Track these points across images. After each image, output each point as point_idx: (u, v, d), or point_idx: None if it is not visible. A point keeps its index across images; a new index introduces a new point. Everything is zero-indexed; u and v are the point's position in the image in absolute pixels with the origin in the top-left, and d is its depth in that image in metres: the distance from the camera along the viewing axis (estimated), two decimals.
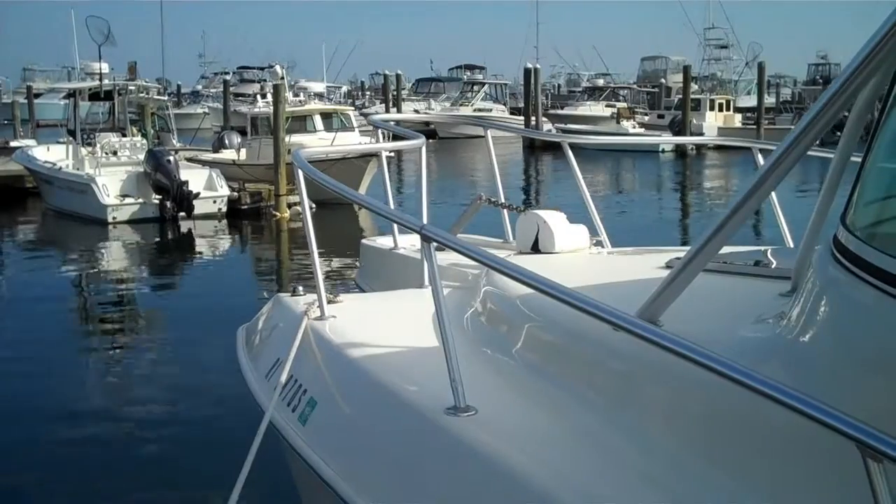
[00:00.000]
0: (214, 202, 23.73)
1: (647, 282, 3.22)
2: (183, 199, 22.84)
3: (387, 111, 58.23)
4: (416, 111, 56.57)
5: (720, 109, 56.69)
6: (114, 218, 23.07)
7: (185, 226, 22.96)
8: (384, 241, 6.66)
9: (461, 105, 63.02)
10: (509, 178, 35.29)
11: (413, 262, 5.50)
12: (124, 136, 26.59)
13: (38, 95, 58.18)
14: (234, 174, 26.83)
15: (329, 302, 4.51)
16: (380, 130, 7.39)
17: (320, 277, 4.42)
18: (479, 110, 61.44)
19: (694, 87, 58.84)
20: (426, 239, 3.35)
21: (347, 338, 4.10)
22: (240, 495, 3.85)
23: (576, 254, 5.11)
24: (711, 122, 53.78)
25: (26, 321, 14.15)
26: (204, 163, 27.20)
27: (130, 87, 28.53)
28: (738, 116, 57.68)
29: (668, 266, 4.19)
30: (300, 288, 4.83)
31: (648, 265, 4.43)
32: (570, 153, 6.25)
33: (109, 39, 26.89)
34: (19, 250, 22.47)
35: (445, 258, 5.29)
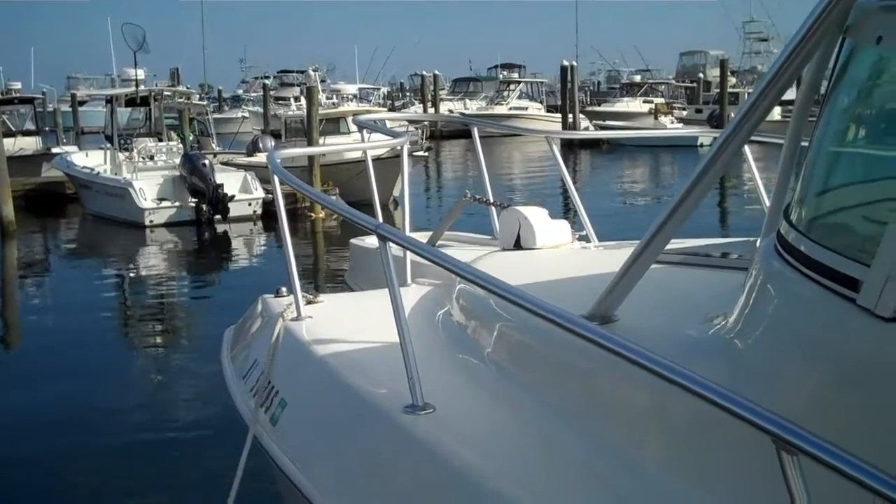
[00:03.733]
0: (249, 204, 23.94)
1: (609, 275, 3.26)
2: (218, 201, 23.11)
3: (424, 111, 58.35)
4: (451, 111, 56.63)
5: None
6: (151, 221, 23.39)
7: (220, 228, 23.21)
8: (372, 241, 6.73)
9: (497, 104, 62.85)
10: (545, 176, 35.29)
11: (398, 262, 5.44)
12: (161, 140, 26.98)
13: (82, 103, 58.92)
14: (269, 176, 27.04)
15: (309, 303, 4.60)
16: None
17: (296, 279, 4.49)
18: (515, 108, 61.31)
19: (733, 80, 58.34)
20: (382, 238, 3.44)
21: (319, 338, 4.17)
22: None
23: (557, 249, 5.13)
24: None
25: (67, 324, 14.48)
26: (239, 166, 27.45)
27: (166, 93, 28.89)
28: (778, 109, 56.97)
29: None
30: (283, 289, 4.88)
31: (624, 259, 4.47)
32: (554, 148, 6.34)
33: (144, 47, 27.23)
34: (60, 254, 22.93)
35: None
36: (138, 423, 9.52)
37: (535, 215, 5.21)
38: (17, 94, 43.97)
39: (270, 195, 24.81)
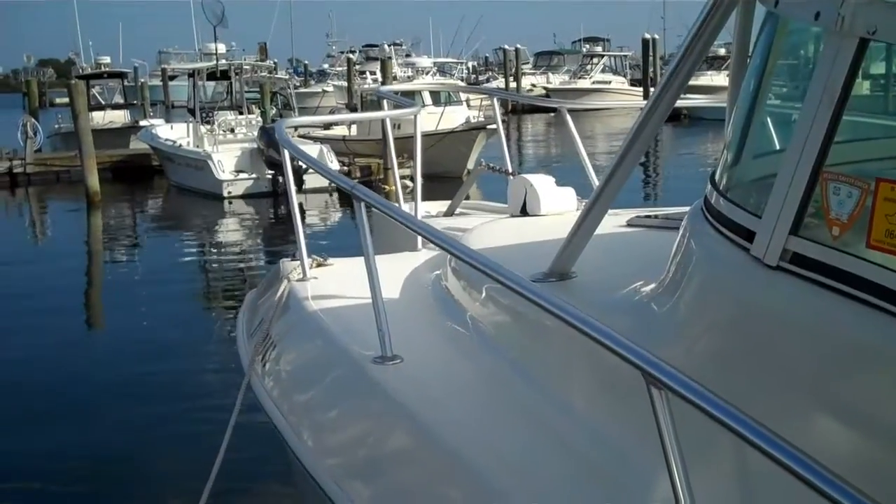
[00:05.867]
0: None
1: (595, 238, 3.43)
2: (294, 173, 23.53)
3: (506, 86, 58.42)
4: (534, 85, 56.59)
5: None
6: (229, 192, 24.01)
7: (296, 200, 23.60)
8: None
9: (580, 78, 62.63)
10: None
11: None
12: (241, 114, 27.59)
13: (173, 77, 60.17)
14: (353, 150, 27.55)
15: (319, 265, 4.86)
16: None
17: (302, 242, 4.75)
18: (599, 82, 60.98)
19: None
20: (357, 199, 3.66)
21: (319, 296, 4.43)
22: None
23: (561, 216, 5.18)
24: None
25: (146, 290, 15.12)
26: (315, 139, 27.96)
27: (246, 67, 29.50)
28: None
29: (628, 224, 4.47)
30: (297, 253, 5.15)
31: (613, 224, 4.63)
32: (568, 117, 6.47)
33: (223, 21, 27.82)
34: (142, 223, 23.70)
35: (442, 223, 5.64)
36: (202, 381, 9.99)
37: (541, 183, 5.32)
38: (107, 69, 45.08)
39: (346, 167, 25.38)
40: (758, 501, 2.32)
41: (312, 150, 25.05)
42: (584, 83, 60.41)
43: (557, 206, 5.30)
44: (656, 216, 4.58)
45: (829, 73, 2.25)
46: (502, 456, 2.87)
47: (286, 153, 4.73)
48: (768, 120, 2.79)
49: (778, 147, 2.69)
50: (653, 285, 2.98)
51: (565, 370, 3.13)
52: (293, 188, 4.89)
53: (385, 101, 6.89)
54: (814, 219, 2.31)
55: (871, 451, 2.09)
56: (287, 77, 40.48)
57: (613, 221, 4.73)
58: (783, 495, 2.04)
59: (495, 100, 7.76)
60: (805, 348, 2.27)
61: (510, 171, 6.40)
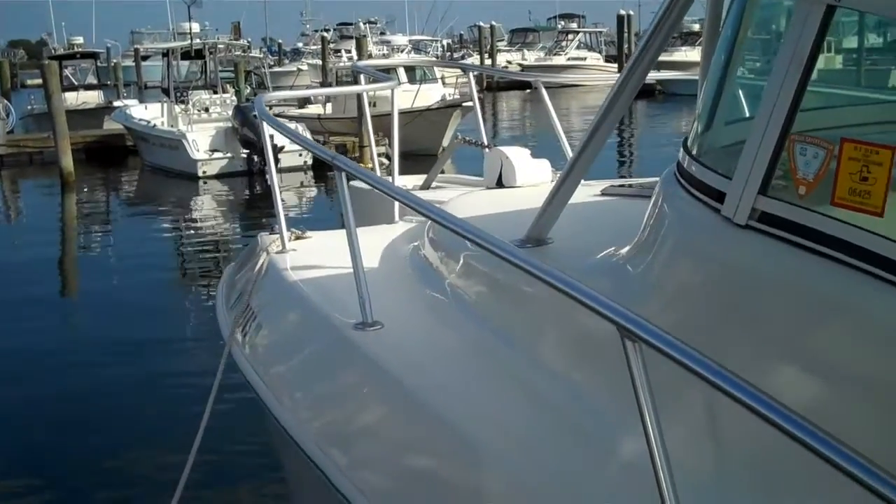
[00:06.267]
0: (300, 155, 24.27)
1: (570, 207, 3.50)
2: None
3: (481, 63, 58.36)
4: (509, 62, 56.58)
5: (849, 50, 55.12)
6: (204, 172, 23.96)
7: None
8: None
9: (555, 54, 62.62)
10: None
11: (387, 201, 5.59)
12: (216, 93, 27.49)
13: (146, 58, 59.73)
14: (328, 128, 27.53)
15: (298, 238, 4.91)
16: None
17: (281, 215, 4.80)
18: (574, 59, 60.98)
19: None
20: (338, 169, 3.71)
21: (298, 267, 4.49)
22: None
23: (536, 187, 5.23)
24: None
25: (120, 269, 15.15)
26: (290, 118, 27.88)
27: (220, 46, 29.38)
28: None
29: (602, 193, 4.54)
30: (276, 227, 5.19)
31: (588, 194, 4.70)
32: (543, 90, 6.53)
33: (197, 1, 27.69)
34: (116, 203, 23.67)
35: (424, 195, 5.69)
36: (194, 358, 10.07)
37: (517, 155, 5.39)
38: (80, 50, 44.68)
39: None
40: (728, 448, 2.40)
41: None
42: (559, 60, 60.40)
43: (533, 177, 5.36)
44: (630, 185, 4.66)
45: (797, 39, 2.31)
46: (482, 415, 2.94)
47: (265, 126, 4.76)
48: (738, 87, 2.86)
49: (748, 113, 2.76)
50: (627, 248, 3.04)
51: (542, 331, 3.20)
52: (272, 161, 4.92)
53: (361, 76, 6.92)
54: (781, 180, 2.38)
55: (838, 399, 2.17)
56: (261, 56, 40.32)
57: (588, 191, 4.80)
58: (753, 442, 2.13)
59: (470, 74, 7.83)
60: (774, 303, 2.35)
61: (486, 144, 6.46)
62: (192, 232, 18.94)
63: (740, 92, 2.86)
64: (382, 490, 3.09)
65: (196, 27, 29.33)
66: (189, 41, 28.40)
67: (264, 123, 4.72)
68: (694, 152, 2.84)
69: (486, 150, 6.01)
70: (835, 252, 2.19)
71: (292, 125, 24.92)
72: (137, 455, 7.46)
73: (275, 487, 6.27)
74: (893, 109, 2.89)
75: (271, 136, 4.82)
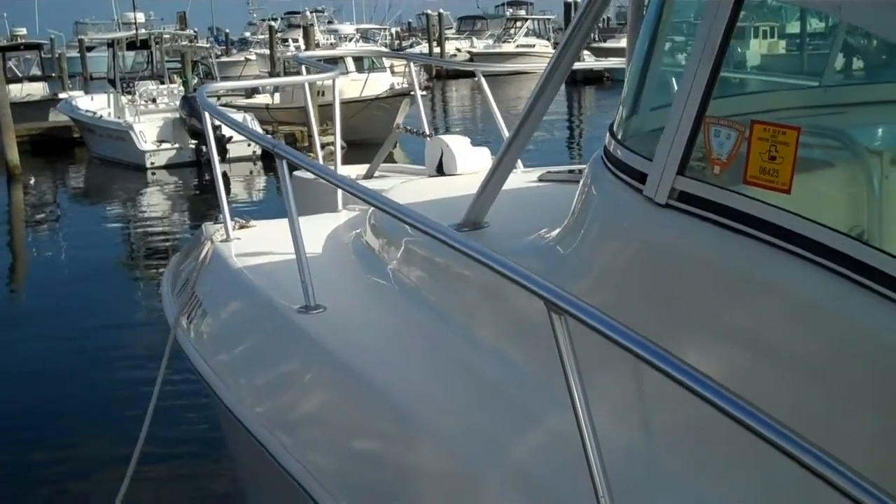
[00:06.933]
0: (249, 145, 24.16)
1: (505, 193, 3.62)
2: (217, 142, 23.38)
3: (430, 51, 58.43)
4: (459, 50, 56.65)
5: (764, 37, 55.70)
6: (152, 163, 23.85)
7: (220, 169, 23.47)
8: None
9: (504, 42, 62.79)
10: (551, 111, 35.32)
11: (330, 190, 5.61)
12: (162, 83, 27.33)
13: (91, 48, 59.01)
14: (277, 118, 27.46)
15: (242, 227, 4.97)
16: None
17: (224, 204, 4.84)
18: (522, 46, 61.14)
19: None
20: (279, 157, 3.78)
21: (242, 255, 4.57)
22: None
23: (476, 175, 5.23)
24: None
25: (67, 261, 15.09)
26: (238, 108, 27.81)
27: (166, 36, 29.20)
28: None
29: (539, 179, 4.67)
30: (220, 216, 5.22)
31: (526, 180, 4.82)
32: (483, 80, 6.64)
33: None
34: (64, 196, 23.48)
35: (367, 184, 5.78)
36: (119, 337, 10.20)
37: (457, 143, 5.49)
38: (23, 41, 44.09)
39: (270, 136, 25.28)
40: (652, 415, 2.53)
41: (235, 118, 24.84)
42: (508, 47, 60.55)
43: (473, 165, 5.46)
44: (571, 171, 4.79)
45: (710, 26, 2.44)
46: (420, 391, 3.06)
47: (207, 117, 4.81)
48: (659, 73, 2.98)
49: (667, 98, 2.88)
50: (559, 230, 3.16)
51: (479, 310, 3.31)
52: (215, 152, 4.98)
53: (304, 67, 6.99)
54: (698, 160, 2.50)
55: (753, 367, 2.30)
56: (208, 46, 39.89)
57: (527, 177, 4.92)
58: (676, 409, 2.25)
59: (412, 64, 7.97)
60: (692, 278, 2.48)
61: (427, 132, 6.55)
62: (141, 223, 18.87)
63: (661, 77, 2.98)
64: (329, 468, 3.19)
65: (141, 17, 29.12)
66: (134, 31, 28.15)
67: (206, 114, 4.77)
68: (619, 136, 2.96)
69: (427, 138, 6.11)
70: (748, 228, 2.31)
71: (240, 115, 25.03)
72: (85, 441, 7.53)
73: (223, 470, 6.36)
74: (801, 93, 3.04)
75: (218, 127, 4.84)
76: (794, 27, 3.80)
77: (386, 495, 2.99)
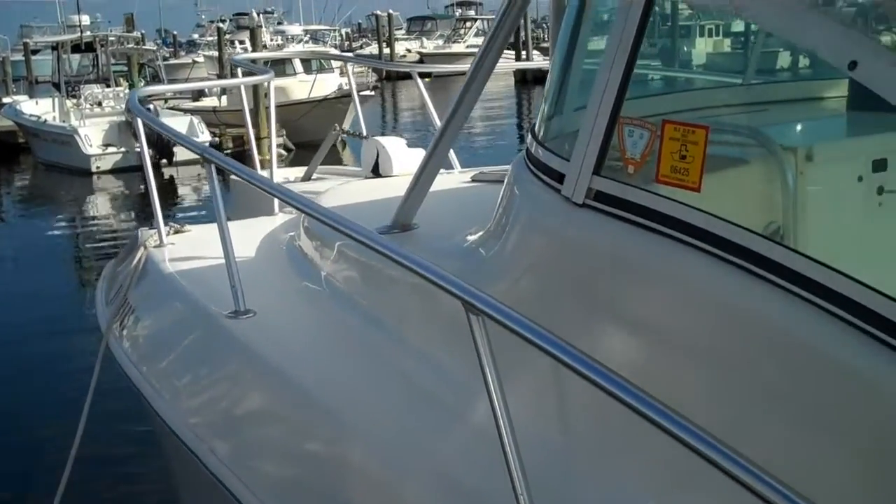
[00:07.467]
0: None
1: (437, 194, 3.65)
2: (163, 146, 23.20)
3: (380, 51, 58.36)
4: (409, 51, 56.62)
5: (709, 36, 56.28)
6: (97, 168, 23.59)
7: (167, 173, 23.31)
8: None
9: (454, 42, 62.88)
10: (503, 111, 35.57)
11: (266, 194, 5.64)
12: (108, 86, 27.06)
13: (36, 52, 58.26)
14: (224, 120, 27.28)
15: (177, 232, 4.94)
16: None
17: (158, 210, 4.82)
18: (473, 46, 61.16)
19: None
20: (207, 161, 3.79)
21: (175, 260, 4.54)
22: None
23: (411, 176, 5.35)
24: None
25: (14, 273, 14.84)
26: (185, 110, 27.59)
27: (111, 38, 28.91)
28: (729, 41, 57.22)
29: (472, 180, 4.69)
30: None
31: (459, 180, 4.84)
32: (419, 81, 6.66)
33: None
34: (7, 202, 23.11)
35: (298, 187, 5.78)
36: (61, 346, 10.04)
37: (392, 144, 5.50)
38: None
39: (217, 138, 25.14)
40: (570, 413, 2.56)
41: (182, 121, 24.69)
42: (458, 47, 60.60)
43: (408, 166, 5.45)
44: (502, 171, 4.80)
45: (622, 29, 2.47)
46: (350, 394, 3.07)
47: (139, 122, 4.78)
48: (577, 74, 3.01)
49: (584, 99, 2.91)
50: (483, 230, 3.18)
51: (407, 313, 3.32)
52: (147, 156, 4.94)
53: (239, 69, 6.98)
54: (612, 160, 2.53)
55: (663, 360, 2.35)
56: (155, 48, 39.60)
57: (462, 178, 4.95)
58: (593, 407, 2.27)
59: (349, 65, 7.97)
60: (609, 277, 2.50)
61: (364, 134, 6.55)
62: (86, 228, 18.68)
63: (578, 78, 3.01)
64: (259, 473, 3.19)
65: (86, 20, 28.80)
66: (79, 34, 27.83)
67: (139, 119, 4.74)
68: (539, 137, 2.98)
69: (364, 140, 6.11)
70: (660, 226, 2.34)
71: (187, 118, 24.83)
72: (19, 448, 7.46)
73: (157, 477, 6.30)
74: (724, 91, 3.08)
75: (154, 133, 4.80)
76: (722, 26, 3.85)
77: (316, 500, 3.00)
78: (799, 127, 3.17)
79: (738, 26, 3.83)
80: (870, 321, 1.93)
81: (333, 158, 23.31)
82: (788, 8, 2.16)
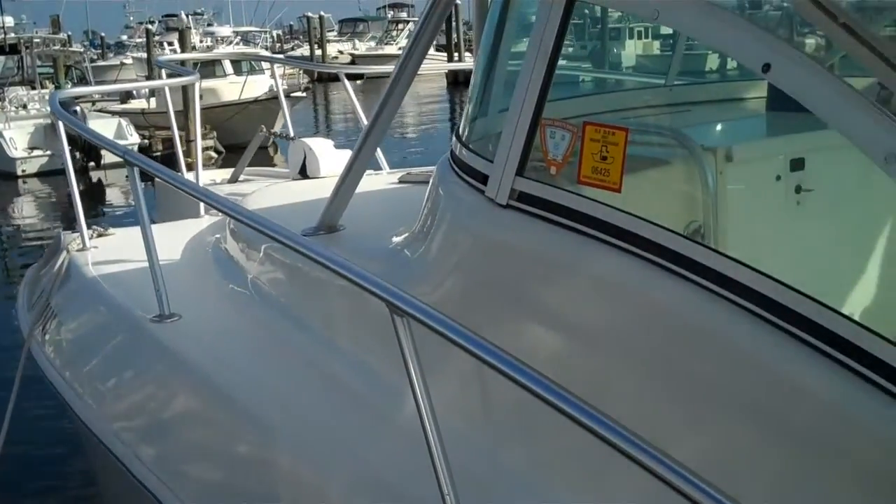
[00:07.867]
0: None
1: (364, 195, 3.66)
2: (90, 149, 22.89)
3: (311, 53, 58.11)
4: (341, 52, 56.43)
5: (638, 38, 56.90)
6: (23, 171, 23.14)
7: (94, 176, 23.01)
8: None
9: (386, 44, 62.82)
10: (434, 113, 35.57)
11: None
12: (34, 89, 26.58)
13: None
14: (153, 122, 26.96)
15: (100, 235, 4.89)
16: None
17: (80, 213, 4.77)
18: (404, 48, 61.14)
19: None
20: (129, 164, 3.75)
21: (98, 264, 4.49)
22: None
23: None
24: None
25: None
26: (114, 113, 27.22)
27: (36, 40, 28.45)
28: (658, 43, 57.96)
29: (400, 181, 4.71)
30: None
31: (387, 181, 4.85)
32: (346, 83, 6.67)
33: None
34: None
35: (225, 189, 5.74)
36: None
37: (320, 146, 5.50)
38: None
39: (146, 141, 24.83)
40: (490, 407, 2.58)
41: (110, 123, 24.37)
42: (390, 49, 60.49)
43: (336, 167, 5.45)
44: (429, 172, 4.82)
45: (542, 32, 2.49)
46: (276, 397, 3.06)
47: (61, 125, 4.72)
48: (500, 77, 3.03)
49: (508, 101, 2.94)
50: (409, 231, 3.19)
51: (333, 315, 3.32)
52: (69, 158, 4.89)
53: (163, 71, 6.91)
54: (536, 161, 2.56)
55: (583, 352, 2.39)
56: (82, 50, 39.03)
57: (388, 179, 4.95)
58: (517, 405, 2.29)
59: (273, 66, 7.96)
60: (532, 276, 2.53)
61: (291, 135, 6.52)
62: (11, 232, 18.32)
63: (501, 82, 3.03)
64: (183, 478, 3.16)
65: (10, 21, 28.26)
66: (3, 36, 27.33)
67: (60, 123, 4.68)
68: (464, 139, 3.00)
69: (291, 141, 6.09)
70: (582, 227, 2.37)
71: (115, 120, 24.47)
72: None
73: (82, 481, 6.22)
74: (647, 92, 3.13)
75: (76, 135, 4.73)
76: (651, 29, 3.90)
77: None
78: (719, 127, 3.23)
79: (668, 28, 3.88)
80: (786, 318, 1.97)
81: (265, 161, 23.36)
82: (704, 11, 2.19)
